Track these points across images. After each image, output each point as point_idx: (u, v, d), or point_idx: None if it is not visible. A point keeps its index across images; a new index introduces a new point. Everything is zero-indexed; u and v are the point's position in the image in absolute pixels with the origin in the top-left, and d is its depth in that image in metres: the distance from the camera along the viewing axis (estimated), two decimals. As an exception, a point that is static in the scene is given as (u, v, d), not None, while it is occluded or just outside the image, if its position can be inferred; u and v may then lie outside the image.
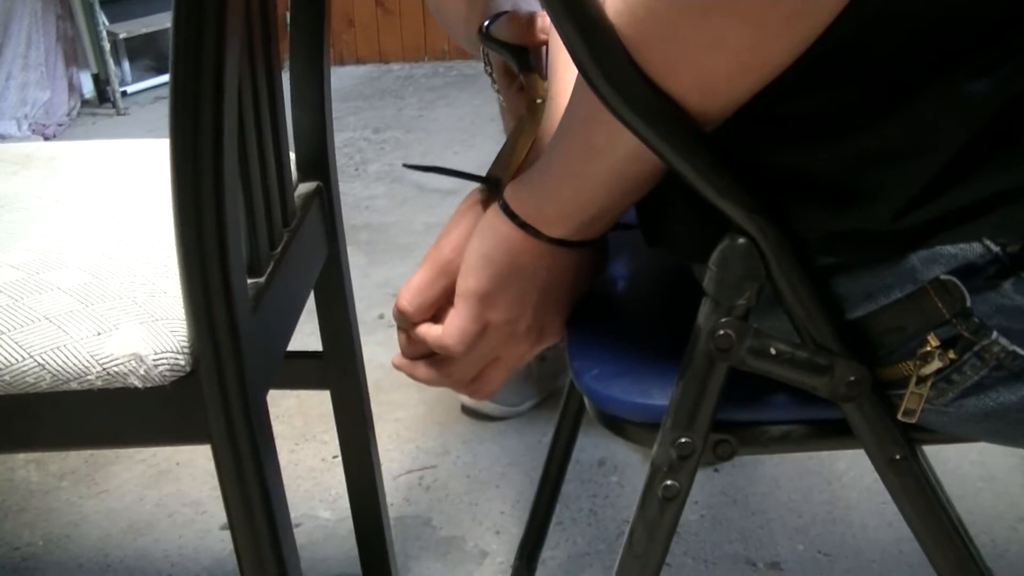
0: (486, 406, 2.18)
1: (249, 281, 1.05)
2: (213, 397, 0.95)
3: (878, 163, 0.78)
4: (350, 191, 3.47)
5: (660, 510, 0.89)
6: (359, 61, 5.47)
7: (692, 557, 1.78)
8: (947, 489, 1.66)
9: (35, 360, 0.92)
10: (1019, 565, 1.72)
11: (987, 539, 1.78)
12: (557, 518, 1.84)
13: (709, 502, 1.92)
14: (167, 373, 0.93)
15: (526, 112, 1.18)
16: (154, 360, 0.93)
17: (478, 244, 0.95)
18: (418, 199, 3.34)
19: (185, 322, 0.94)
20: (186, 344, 0.94)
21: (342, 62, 5.41)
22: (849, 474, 1.92)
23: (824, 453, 1.99)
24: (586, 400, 0.95)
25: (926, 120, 0.75)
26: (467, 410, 2.22)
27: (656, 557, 0.91)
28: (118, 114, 4.76)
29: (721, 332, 0.82)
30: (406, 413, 2.22)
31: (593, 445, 2.08)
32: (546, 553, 1.75)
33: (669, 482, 0.88)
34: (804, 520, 1.86)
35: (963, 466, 1.97)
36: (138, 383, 0.93)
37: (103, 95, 4.99)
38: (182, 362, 0.94)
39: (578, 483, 1.97)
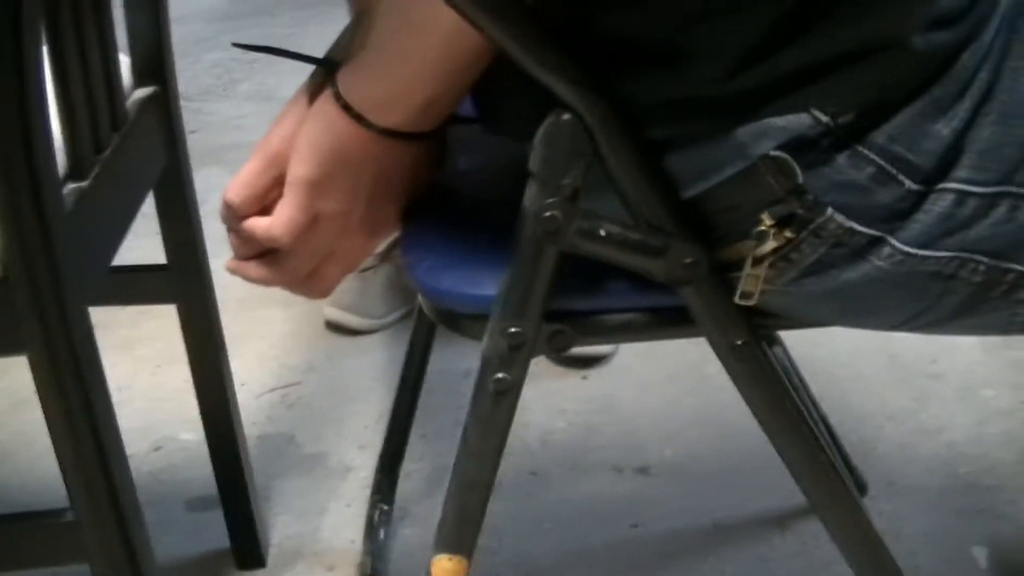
0: (350, 319, 2.15)
1: (71, 185, 1.01)
2: (26, 305, 0.90)
3: (701, 21, 0.76)
4: (219, 110, 3.40)
5: (493, 405, 0.86)
6: (230, -20, 5.36)
7: (559, 465, 1.76)
8: (816, 390, 1.68)
9: None
10: (887, 461, 1.73)
11: (855, 438, 1.78)
12: (422, 431, 1.82)
13: (577, 409, 1.90)
14: (-25, 280, 0.89)
15: (370, 5, 1.14)
16: (-40, 267, 0.88)
17: (309, 131, 0.91)
18: (287, 118, 3.28)
19: (-5, 227, 0.89)
20: (-2, 250, 0.89)
21: (212, -19, 5.30)
22: (719, 377, 1.90)
23: (694, 356, 1.99)
24: (419, 294, 0.92)
25: None
26: (331, 325, 2.18)
27: (491, 454, 0.89)
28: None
29: (548, 214, 0.79)
30: (270, 330, 2.18)
31: (459, 355, 2.04)
32: (411, 466, 1.73)
33: (500, 375, 0.85)
34: (674, 425, 1.86)
35: (833, 367, 1.97)
36: (-57, 290, 0.89)
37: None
38: (-8, 268, 0.89)
39: (444, 394, 1.94)
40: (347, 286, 2.14)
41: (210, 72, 3.75)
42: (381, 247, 2.12)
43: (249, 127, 3.26)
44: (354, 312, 2.15)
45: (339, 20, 3.96)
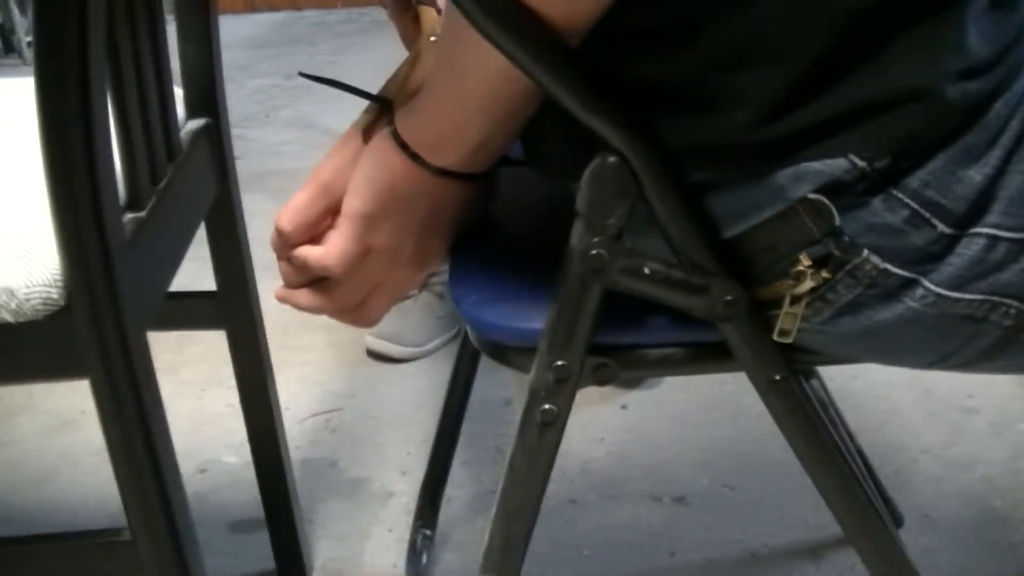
0: (390, 348, 2.17)
1: (129, 215, 1.03)
2: (88, 331, 0.93)
3: (733, 69, 0.78)
4: (261, 137, 3.44)
5: (539, 435, 0.89)
6: (271, 8, 5.41)
7: (597, 493, 1.78)
8: (852, 422, 1.69)
9: (-96, 295, 0.90)
10: (922, 494, 1.74)
11: (891, 470, 1.79)
12: (463, 457, 1.84)
13: (615, 439, 1.92)
14: (40, 307, 0.92)
15: (420, 46, 1.16)
16: (25, 294, 0.91)
17: (366, 167, 0.94)
18: (329, 145, 3.26)
19: (58, 255, 0.92)
20: (59, 277, 0.92)
21: (254, 8, 5.35)
22: (755, 409, 1.93)
23: (729, 388, 2.01)
24: (467, 327, 0.95)
25: (776, 23, 0.76)
26: (372, 353, 2.21)
27: (537, 483, 0.91)
28: (24, 64, 4.68)
29: (593, 252, 0.81)
30: (313, 356, 2.21)
31: (500, 385, 2.07)
32: (452, 492, 1.75)
33: (547, 406, 0.87)
34: (710, 455, 1.87)
35: (868, 400, 1.99)
36: (10, 318, 0.92)
37: (8, 45, 4.90)
38: (55, 295, 0.92)
39: (485, 423, 1.96)
40: (387, 315, 2.14)
41: (252, 99, 3.79)
42: None
43: (290, 153, 3.30)
44: (394, 341, 2.18)
45: (376, 49, 3.98)
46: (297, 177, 3.02)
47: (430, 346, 2.21)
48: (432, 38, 1.14)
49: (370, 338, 2.18)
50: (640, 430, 1.95)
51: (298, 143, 3.38)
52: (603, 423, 1.96)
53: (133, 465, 0.98)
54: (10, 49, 4.90)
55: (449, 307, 2.18)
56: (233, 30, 4.70)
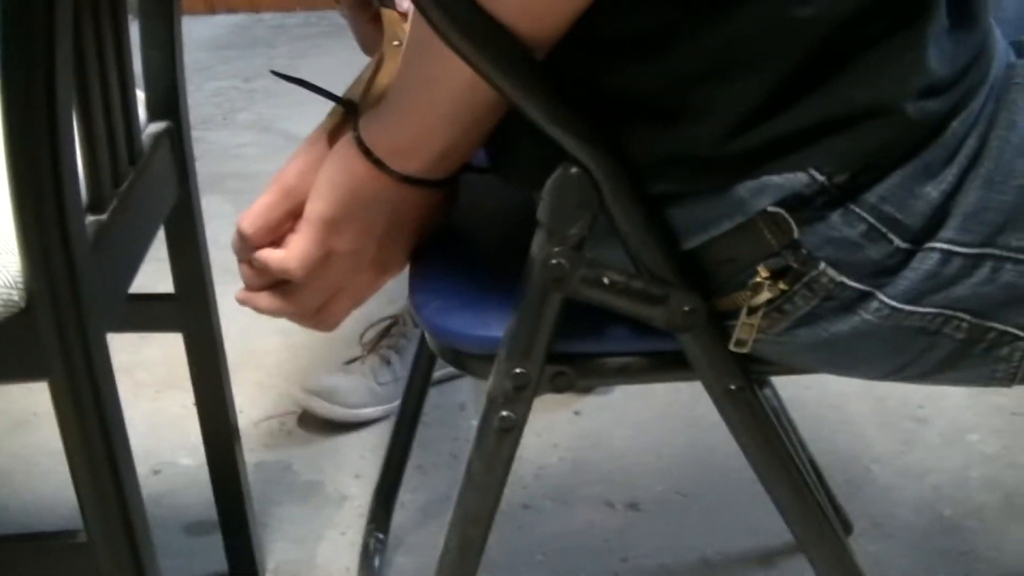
0: (320, 405, 2.00)
1: (91, 218, 1.04)
2: (49, 333, 0.93)
3: (703, 82, 0.79)
4: (219, 139, 3.43)
5: (497, 441, 0.89)
6: (230, 10, 5.38)
7: (551, 499, 1.79)
8: (804, 431, 1.71)
9: None
10: (873, 502, 1.76)
11: (842, 479, 1.81)
12: (418, 462, 1.85)
13: (570, 445, 1.93)
14: (0, 309, 0.92)
15: (383, 50, 1.17)
16: (-14, 295, 0.91)
17: (329, 171, 0.94)
18: (287, 148, 3.25)
19: (18, 256, 0.92)
20: (20, 279, 0.92)
21: (213, 10, 5.31)
22: (710, 417, 1.93)
23: (686, 396, 2.02)
24: (426, 333, 0.95)
25: (747, 39, 0.77)
26: (305, 411, 2.04)
27: (494, 489, 0.91)
28: None
29: (554, 261, 0.82)
30: (270, 359, 2.20)
31: (455, 389, 2.08)
32: (406, 496, 1.75)
33: (505, 413, 0.88)
34: (664, 462, 1.88)
35: (821, 409, 2.00)
36: (-30, 318, 0.92)
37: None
38: (15, 297, 0.92)
39: (439, 427, 1.97)
40: (327, 372, 2.05)
41: (210, 101, 3.78)
42: (368, 337, 2.10)
43: (248, 156, 3.29)
44: (328, 399, 2.00)
45: (335, 53, 3.97)
46: (255, 180, 3.02)
47: (364, 411, 2.02)
48: (395, 42, 1.14)
49: (300, 393, 2.03)
50: (594, 436, 1.96)
51: (256, 146, 3.37)
52: (557, 429, 1.97)
53: (92, 467, 0.99)
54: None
55: (392, 375, 2.04)
56: (192, 32, 4.67)
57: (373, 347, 2.08)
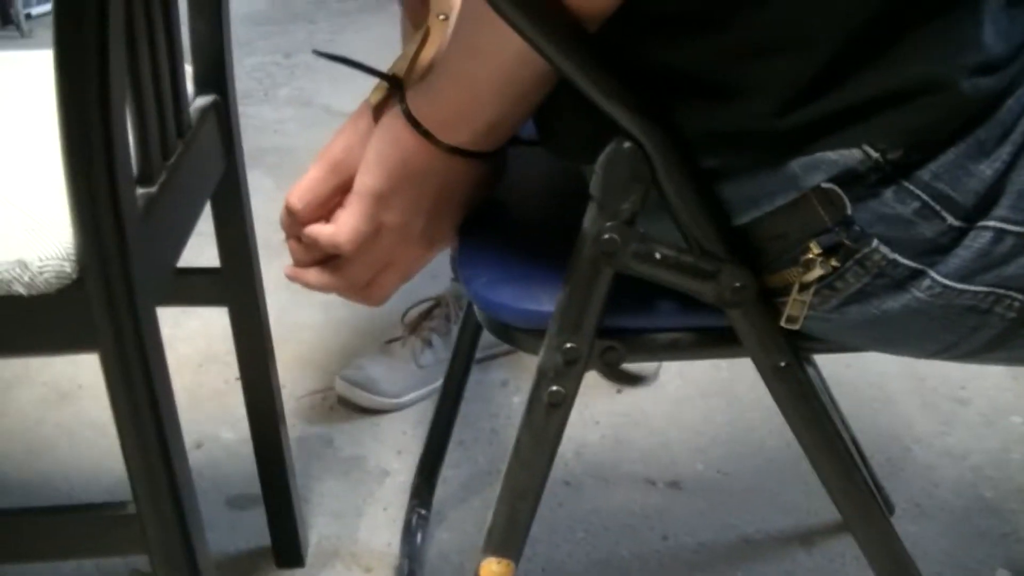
0: (361, 396, 1.99)
1: (140, 190, 1.04)
2: (100, 305, 0.94)
3: (753, 59, 0.79)
4: (259, 114, 3.43)
5: (546, 416, 0.90)
6: (270, -14, 5.39)
7: (593, 476, 1.79)
8: (845, 410, 1.70)
9: (-83, 265, 0.91)
10: (914, 483, 1.75)
11: (883, 458, 1.81)
12: (459, 437, 1.85)
13: (611, 422, 1.93)
14: (52, 280, 0.92)
15: (429, 23, 1.17)
16: (39, 267, 0.91)
17: (377, 144, 0.94)
18: (327, 123, 3.30)
19: (71, 229, 0.92)
20: (72, 251, 0.93)
21: (253, -14, 5.33)
22: (750, 395, 1.94)
23: (726, 375, 2.02)
24: (475, 307, 0.95)
25: (800, 13, 0.76)
26: (342, 399, 2.03)
27: (542, 464, 0.92)
28: (22, 36, 4.66)
29: (606, 236, 0.82)
30: (312, 335, 2.21)
31: (497, 365, 2.08)
32: (447, 472, 1.75)
33: (555, 388, 0.88)
34: (705, 440, 1.88)
35: (861, 389, 2.00)
36: (23, 290, 0.92)
37: (6, 17, 4.88)
38: (68, 269, 0.92)
39: (481, 403, 1.97)
40: (367, 357, 2.05)
41: (251, 76, 3.78)
42: (410, 317, 2.08)
43: (288, 131, 3.29)
44: (367, 389, 2.00)
45: (374, 27, 3.96)
46: (295, 154, 3.03)
47: (405, 399, 2.01)
48: (441, 16, 1.14)
49: (341, 383, 2.01)
50: (635, 415, 1.96)
51: (296, 121, 3.37)
52: (599, 407, 1.98)
53: (140, 439, 0.99)
54: (8, 21, 4.88)
55: (434, 357, 2.04)
56: (232, 6, 4.69)
57: (415, 328, 2.07)
